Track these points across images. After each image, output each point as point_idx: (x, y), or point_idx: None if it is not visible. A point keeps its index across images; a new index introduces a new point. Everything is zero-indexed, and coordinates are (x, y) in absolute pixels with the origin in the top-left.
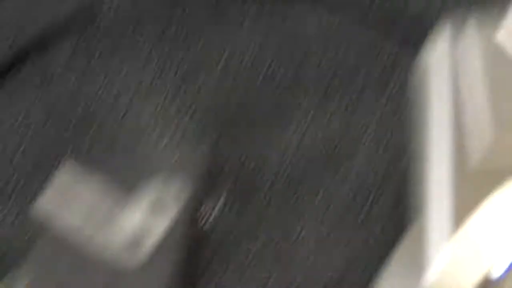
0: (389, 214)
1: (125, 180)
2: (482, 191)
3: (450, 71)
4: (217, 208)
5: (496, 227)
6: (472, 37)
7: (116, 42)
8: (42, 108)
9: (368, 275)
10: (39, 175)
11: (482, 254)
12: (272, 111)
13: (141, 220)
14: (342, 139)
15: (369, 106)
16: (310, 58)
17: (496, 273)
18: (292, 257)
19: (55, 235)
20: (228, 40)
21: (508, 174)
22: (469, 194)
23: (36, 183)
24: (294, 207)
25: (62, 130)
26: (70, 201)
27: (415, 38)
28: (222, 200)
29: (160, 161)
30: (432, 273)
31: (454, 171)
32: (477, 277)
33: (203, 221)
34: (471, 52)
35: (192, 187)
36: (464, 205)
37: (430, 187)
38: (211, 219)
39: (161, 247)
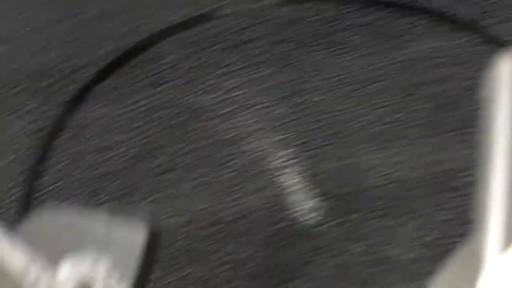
0: None
1: None
2: None
3: None
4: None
5: None
6: None
7: (226, 50)
8: (148, 106)
9: None
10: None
11: None
12: (375, 137)
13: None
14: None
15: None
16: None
17: None
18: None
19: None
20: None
21: None
22: None
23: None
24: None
25: (162, 129)
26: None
27: None
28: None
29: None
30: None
31: None
32: None
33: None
34: None
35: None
36: None
37: (490, 200)
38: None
39: None
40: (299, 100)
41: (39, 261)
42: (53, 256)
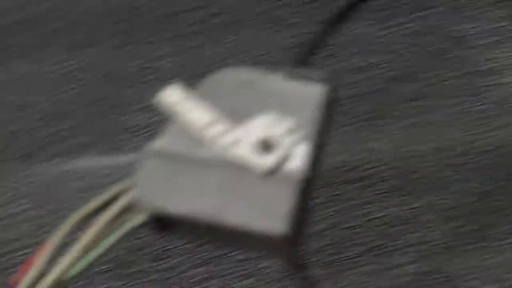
0: None
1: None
2: None
3: None
4: None
5: None
6: None
7: None
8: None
9: None
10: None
11: None
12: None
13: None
14: None
15: None
16: None
17: None
18: None
19: (183, 123)
20: None
21: None
22: None
23: None
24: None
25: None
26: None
27: None
28: None
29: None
30: None
31: None
32: None
33: None
34: None
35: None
36: None
37: None
38: None
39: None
40: None
41: (220, 117)
42: (236, 113)
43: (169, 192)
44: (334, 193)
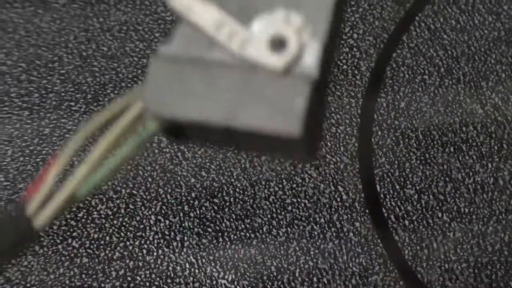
0: None
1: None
2: None
3: None
4: None
5: None
6: None
7: None
8: None
9: None
10: None
11: None
12: None
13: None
14: None
15: None
16: None
17: None
18: None
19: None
20: None
21: None
22: None
23: None
24: None
25: None
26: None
27: None
28: None
29: None
30: None
31: None
32: None
33: None
34: None
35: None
36: None
37: None
38: None
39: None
40: None
41: (231, 17)
42: (244, 13)
43: (179, 97)
44: (428, 156)
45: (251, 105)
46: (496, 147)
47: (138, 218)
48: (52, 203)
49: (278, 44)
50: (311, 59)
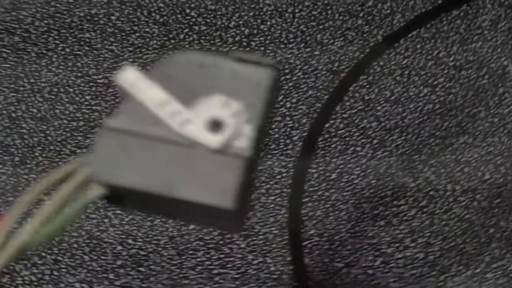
0: None
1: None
2: None
3: None
4: None
5: None
6: None
7: None
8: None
9: None
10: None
11: None
12: None
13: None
14: None
15: None
16: None
17: None
18: None
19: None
20: None
21: None
22: None
23: None
24: None
25: (463, 90)
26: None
27: None
28: None
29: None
30: None
31: None
32: None
33: None
34: None
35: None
36: None
37: None
38: None
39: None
40: None
41: (173, 97)
42: (185, 96)
43: (122, 166)
44: (358, 229)
45: (188, 178)
46: (427, 222)
47: (62, 285)
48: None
49: (216, 125)
50: (245, 141)
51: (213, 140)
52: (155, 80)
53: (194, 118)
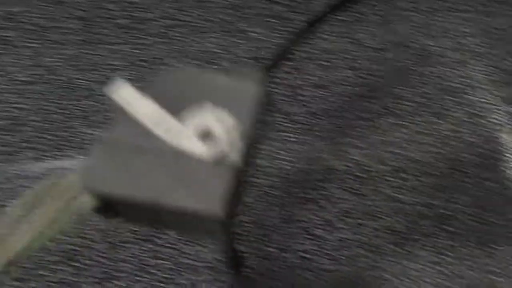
0: None
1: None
2: None
3: None
4: None
5: None
6: None
7: None
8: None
9: None
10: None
11: None
12: None
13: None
14: None
15: None
16: None
17: None
18: None
19: (132, 117)
20: None
21: None
22: None
23: None
24: None
25: (387, 70)
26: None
27: None
28: None
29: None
30: None
31: None
32: None
33: None
34: None
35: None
36: None
37: None
38: None
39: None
40: None
41: (166, 111)
42: (177, 109)
43: (114, 176)
44: (289, 214)
45: (179, 188)
46: (358, 203)
47: None
48: None
49: (207, 138)
50: (235, 153)
51: (204, 151)
52: (149, 95)
53: (186, 131)
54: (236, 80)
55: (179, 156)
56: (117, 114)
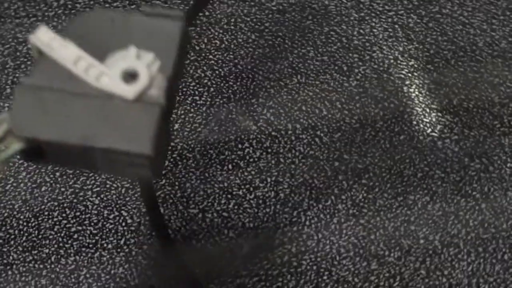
0: None
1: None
2: None
3: None
4: None
5: None
6: None
7: None
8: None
9: None
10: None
11: None
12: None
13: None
14: None
15: None
16: None
17: None
18: None
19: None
20: None
21: None
22: None
23: None
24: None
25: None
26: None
27: None
28: None
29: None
30: None
31: None
32: None
33: None
34: None
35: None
36: None
37: None
38: None
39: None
40: (429, 11)
41: (87, 53)
42: (99, 52)
43: (41, 120)
44: (207, 175)
45: (106, 128)
46: (273, 161)
47: None
48: None
49: (130, 76)
50: (158, 90)
51: (128, 90)
52: (68, 38)
53: (108, 71)
54: (155, 18)
55: (104, 98)
56: (38, 59)
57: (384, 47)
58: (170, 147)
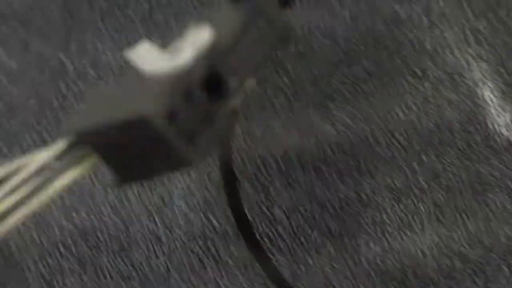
0: None
1: None
2: None
3: None
4: None
5: None
6: None
7: None
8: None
9: None
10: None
11: None
12: None
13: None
14: None
15: None
16: None
17: None
18: None
19: None
20: None
21: None
22: None
23: None
24: None
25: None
26: None
27: None
28: None
29: None
30: None
31: None
32: None
33: None
34: None
35: None
36: None
37: None
38: None
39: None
40: (497, 14)
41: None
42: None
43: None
44: (290, 179)
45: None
46: (353, 164)
47: (14, 263)
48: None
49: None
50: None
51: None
52: None
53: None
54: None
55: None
56: None
57: (456, 51)
58: (252, 154)
